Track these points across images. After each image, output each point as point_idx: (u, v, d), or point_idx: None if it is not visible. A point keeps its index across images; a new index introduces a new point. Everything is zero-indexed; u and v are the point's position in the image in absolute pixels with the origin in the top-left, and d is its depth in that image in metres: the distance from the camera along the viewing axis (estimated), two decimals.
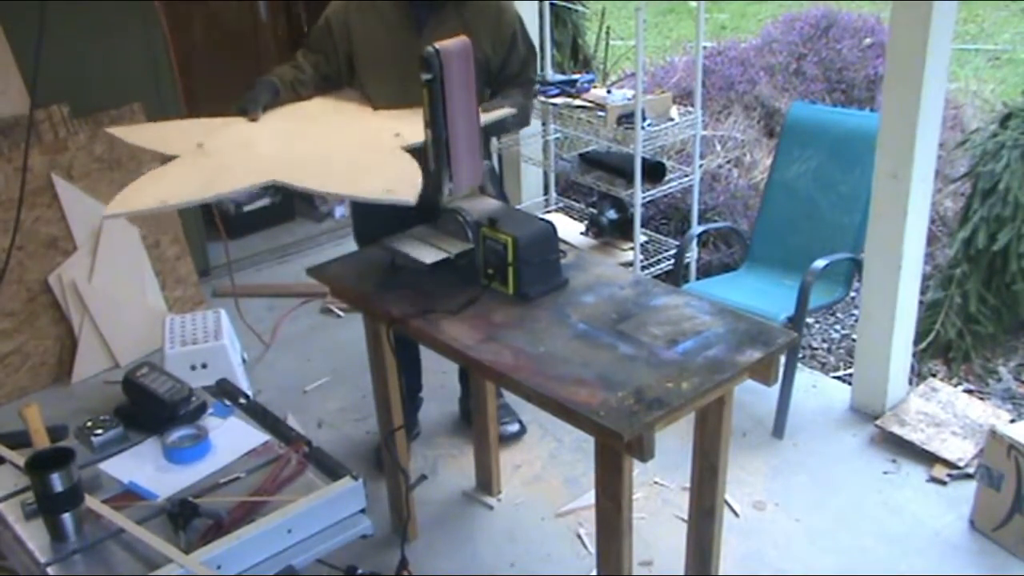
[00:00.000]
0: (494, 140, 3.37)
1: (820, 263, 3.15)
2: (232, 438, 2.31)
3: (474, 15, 2.72)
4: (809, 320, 3.82)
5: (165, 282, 3.99)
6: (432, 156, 2.31)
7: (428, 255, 2.32)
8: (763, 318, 2.37)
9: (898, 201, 3.00)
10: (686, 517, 2.46)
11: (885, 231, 3.07)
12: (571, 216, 4.44)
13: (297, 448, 2.25)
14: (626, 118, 3.68)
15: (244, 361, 3.73)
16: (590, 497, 2.58)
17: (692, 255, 3.97)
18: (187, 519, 1.99)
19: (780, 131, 3.75)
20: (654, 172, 3.82)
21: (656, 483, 3.03)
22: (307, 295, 4.25)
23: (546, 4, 4.36)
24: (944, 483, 2.97)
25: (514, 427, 3.24)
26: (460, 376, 3.30)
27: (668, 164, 3.94)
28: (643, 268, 3.89)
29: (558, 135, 4.37)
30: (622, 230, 4.05)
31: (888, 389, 3.24)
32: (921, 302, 3.33)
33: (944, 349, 3.53)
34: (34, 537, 2.00)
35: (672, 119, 3.80)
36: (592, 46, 5.35)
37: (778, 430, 3.23)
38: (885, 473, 3.04)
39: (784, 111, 4.51)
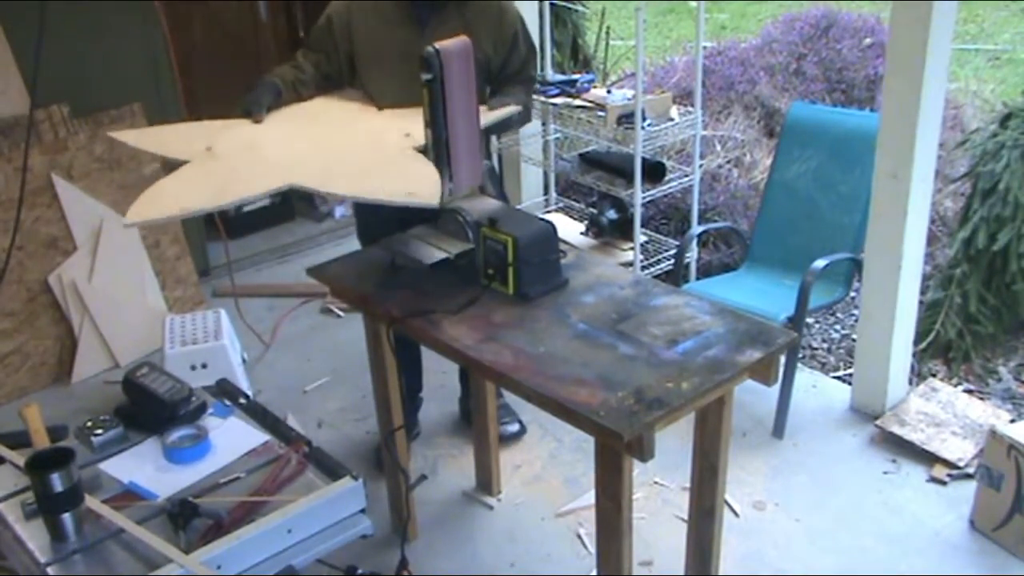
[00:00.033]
0: (494, 140, 3.38)
1: (820, 263, 3.14)
2: (232, 438, 2.31)
3: (476, 15, 2.72)
4: (809, 320, 3.82)
5: (165, 282, 3.99)
6: (432, 156, 2.31)
7: (428, 255, 2.32)
8: (763, 318, 2.36)
9: (898, 201, 3.00)
10: (686, 517, 2.46)
11: (885, 231, 3.07)
12: (571, 216, 4.44)
13: (297, 448, 2.24)
14: (626, 118, 3.67)
15: (244, 361, 3.73)
16: (590, 497, 2.58)
17: (692, 255, 3.97)
18: (187, 519, 1.99)
19: (780, 131, 3.75)
20: (654, 172, 3.82)
21: (656, 483, 3.03)
22: (307, 295, 4.25)
23: (546, 4, 4.36)
24: (944, 483, 2.97)
25: (514, 427, 3.24)
26: (460, 376, 3.30)
27: (668, 164, 3.94)
28: (643, 268, 3.89)
29: (558, 135, 4.37)
30: (622, 230, 4.05)
31: (888, 389, 3.24)
32: (921, 302, 3.33)
33: (944, 349, 3.53)
34: (34, 537, 2.00)
35: (672, 119, 3.80)
36: (592, 46, 5.35)
37: (778, 430, 3.23)
38: (885, 473, 3.04)
39: (784, 111, 4.51)
